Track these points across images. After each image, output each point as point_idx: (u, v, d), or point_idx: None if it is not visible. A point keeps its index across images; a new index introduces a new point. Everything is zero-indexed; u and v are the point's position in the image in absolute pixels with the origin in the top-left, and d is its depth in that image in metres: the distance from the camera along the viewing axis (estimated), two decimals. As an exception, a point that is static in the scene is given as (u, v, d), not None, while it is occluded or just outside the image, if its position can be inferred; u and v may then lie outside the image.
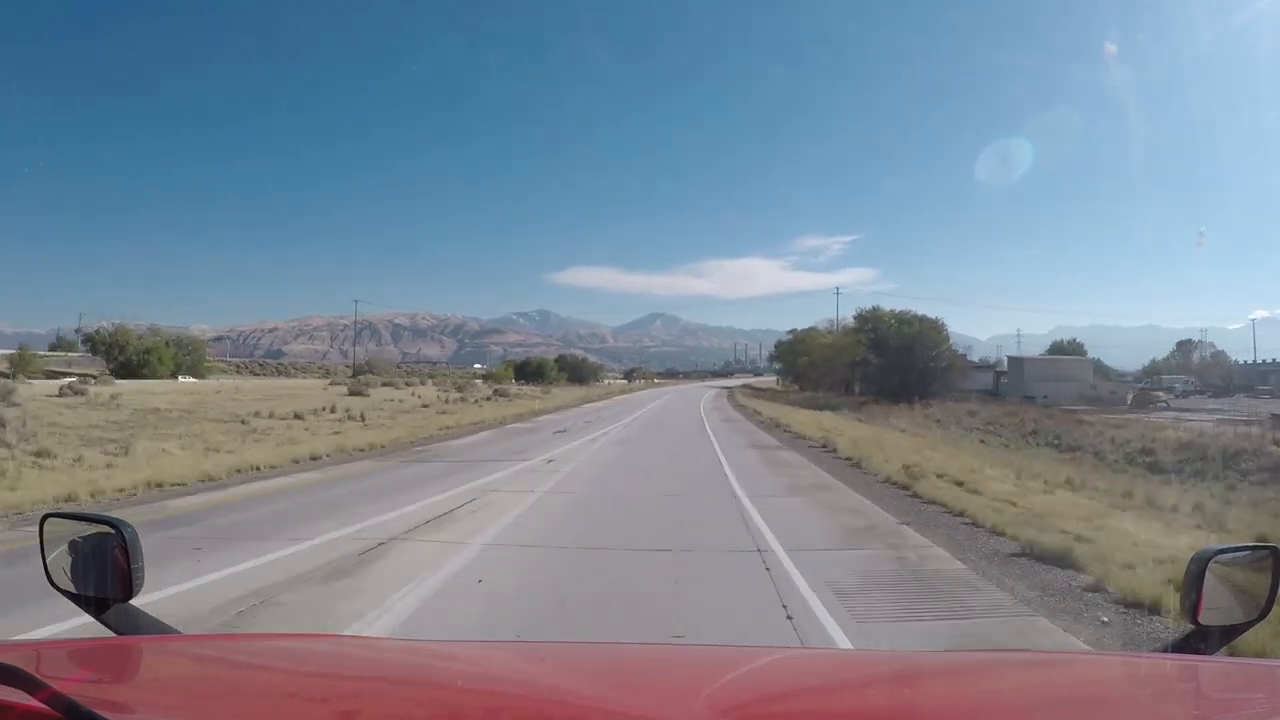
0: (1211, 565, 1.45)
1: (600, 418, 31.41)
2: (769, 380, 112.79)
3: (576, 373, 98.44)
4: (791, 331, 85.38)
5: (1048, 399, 48.46)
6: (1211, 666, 1.46)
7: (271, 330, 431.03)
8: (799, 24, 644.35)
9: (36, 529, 1.63)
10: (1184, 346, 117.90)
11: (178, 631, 1.72)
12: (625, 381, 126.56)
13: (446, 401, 38.64)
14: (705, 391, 74.29)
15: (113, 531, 1.49)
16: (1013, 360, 70.06)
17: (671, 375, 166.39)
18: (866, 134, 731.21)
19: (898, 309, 60.48)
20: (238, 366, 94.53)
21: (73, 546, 1.51)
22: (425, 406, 34.42)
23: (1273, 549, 1.50)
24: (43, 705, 0.85)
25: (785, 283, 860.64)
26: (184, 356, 59.61)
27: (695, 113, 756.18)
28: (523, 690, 1.33)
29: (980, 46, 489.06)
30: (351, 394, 40.82)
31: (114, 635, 1.49)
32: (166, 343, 59.13)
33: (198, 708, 1.17)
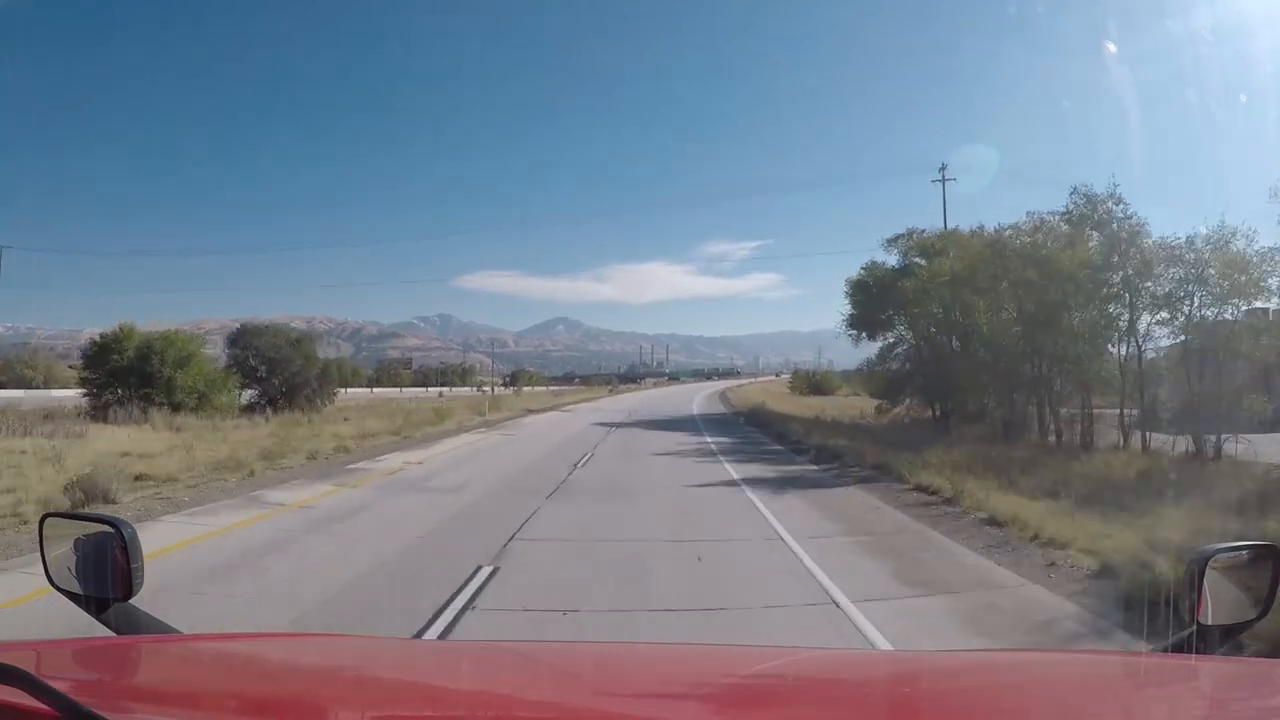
0: (1211, 564, 1.43)
1: None
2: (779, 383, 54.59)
3: (298, 383, 28.93)
4: (908, 234, 27.24)
5: None
6: (1211, 666, 1.44)
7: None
8: (701, 29, 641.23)
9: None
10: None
11: (178, 631, 1.70)
12: (489, 392, 53.24)
13: None
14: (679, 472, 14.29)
15: (113, 531, 1.47)
16: None
17: (568, 380, 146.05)
18: (772, 139, 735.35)
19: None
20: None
21: (75, 546, 1.50)
22: None
23: (1271, 547, 1.48)
24: (44, 705, 0.84)
25: (691, 288, 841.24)
26: None
27: (601, 118, 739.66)
28: (522, 691, 1.31)
29: (884, 54, 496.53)
30: None
31: (114, 635, 1.48)
32: None
33: (198, 708, 1.16)
